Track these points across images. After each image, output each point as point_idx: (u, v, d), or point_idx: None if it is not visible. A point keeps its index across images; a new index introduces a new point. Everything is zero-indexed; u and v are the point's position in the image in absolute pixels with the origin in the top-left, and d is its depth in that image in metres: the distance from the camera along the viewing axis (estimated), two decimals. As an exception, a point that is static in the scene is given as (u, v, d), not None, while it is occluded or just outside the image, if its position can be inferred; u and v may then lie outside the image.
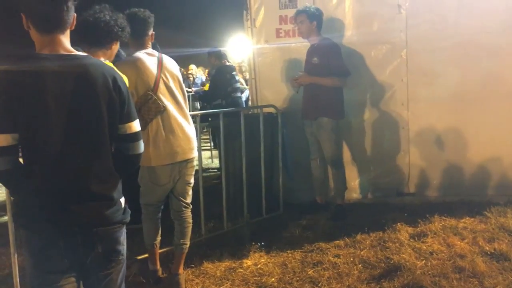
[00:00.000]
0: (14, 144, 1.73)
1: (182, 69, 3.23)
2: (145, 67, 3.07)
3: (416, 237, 4.05)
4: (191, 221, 3.39)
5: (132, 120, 1.93)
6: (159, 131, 3.09)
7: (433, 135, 5.01)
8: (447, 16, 4.83)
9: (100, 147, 1.83)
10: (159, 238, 3.41)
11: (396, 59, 4.97)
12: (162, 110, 3.07)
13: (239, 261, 3.75)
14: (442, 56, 4.86)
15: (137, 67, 3.03)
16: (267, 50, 5.13)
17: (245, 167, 4.41)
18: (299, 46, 4.84)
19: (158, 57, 3.17)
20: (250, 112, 5.06)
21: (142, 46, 3.17)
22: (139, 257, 3.66)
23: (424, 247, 3.84)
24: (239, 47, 13.25)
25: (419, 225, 4.30)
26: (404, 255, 3.69)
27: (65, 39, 1.80)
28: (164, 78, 3.14)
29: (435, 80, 4.90)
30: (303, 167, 4.99)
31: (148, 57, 3.13)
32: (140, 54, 3.12)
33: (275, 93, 5.14)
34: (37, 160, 1.75)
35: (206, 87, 8.97)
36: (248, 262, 3.73)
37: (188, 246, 3.38)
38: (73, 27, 1.85)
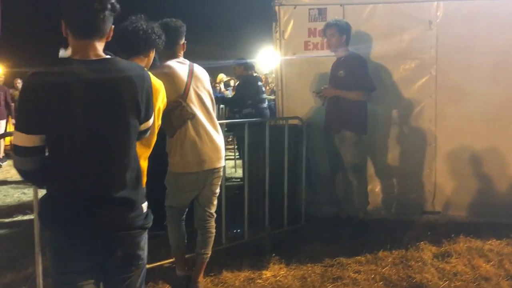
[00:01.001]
0: (41, 145, 1.77)
1: (210, 78, 3.31)
2: (175, 74, 3.11)
3: (440, 257, 3.96)
4: (214, 231, 3.40)
5: (149, 118, 1.98)
6: (187, 138, 3.10)
7: (461, 153, 4.91)
8: (479, 33, 4.75)
9: (124, 151, 1.85)
10: (184, 242, 3.42)
11: (425, 76, 4.91)
12: (191, 117, 3.09)
13: (258, 272, 3.74)
14: (473, 74, 4.78)
15: (166, 74, 3.05)
16: (294, 62, 5.13)
17: (268, 178, 4.41)
18: (327, 59, 4.81)
19: (189, 66, 3.22)
20: (275, 123, 5.06)
21: (173, 55, 3.21)
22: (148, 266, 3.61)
23: (448, 268, 3.76)
24: (267, 59, 13.39)
25: (443, 244, 4.22)
26: (426, 275, 3.62)
27: (99, 47, 1.84)
28: (194, 86, 3.17)
29: (465, 98, 4.82)
30: (326, 180, 4.95)
31: (179, 65, 3.17)
32: (171, 63, 3.16)
33: (301, 105, 5.12)
34: (62, 161, 1.78)
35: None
36: (267, 273, 3.72)
37: (209, 255, 3.39)
38: (109, 38, 1.89)
